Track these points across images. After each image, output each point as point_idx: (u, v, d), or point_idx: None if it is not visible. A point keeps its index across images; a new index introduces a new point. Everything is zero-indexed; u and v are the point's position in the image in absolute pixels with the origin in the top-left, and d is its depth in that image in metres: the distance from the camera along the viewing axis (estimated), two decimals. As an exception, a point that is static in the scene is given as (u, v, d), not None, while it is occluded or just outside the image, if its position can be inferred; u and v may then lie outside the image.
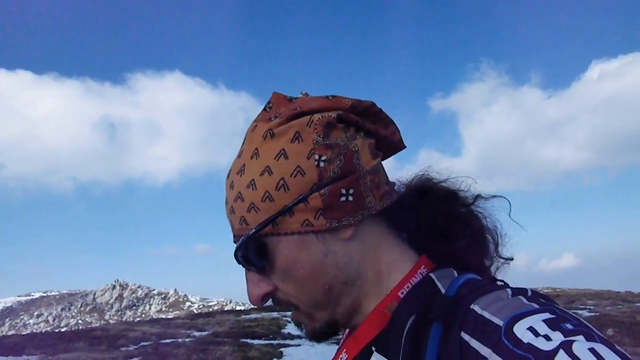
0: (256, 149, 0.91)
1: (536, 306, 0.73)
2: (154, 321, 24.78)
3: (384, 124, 0.97)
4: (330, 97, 0.93)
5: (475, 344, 0.72)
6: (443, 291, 0.85)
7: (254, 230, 0.87)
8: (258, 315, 23.14)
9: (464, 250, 0.95)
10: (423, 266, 0.92)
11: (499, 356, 0.68)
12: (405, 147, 1.02)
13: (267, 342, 16.07)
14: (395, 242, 0.94)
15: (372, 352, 0.88)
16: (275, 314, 23.27)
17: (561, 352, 0.63)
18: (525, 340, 0.67)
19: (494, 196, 1.01)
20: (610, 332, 13.70)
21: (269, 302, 0.97)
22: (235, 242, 0.94)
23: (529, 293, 0.79)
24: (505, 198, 1.00)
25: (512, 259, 1.01)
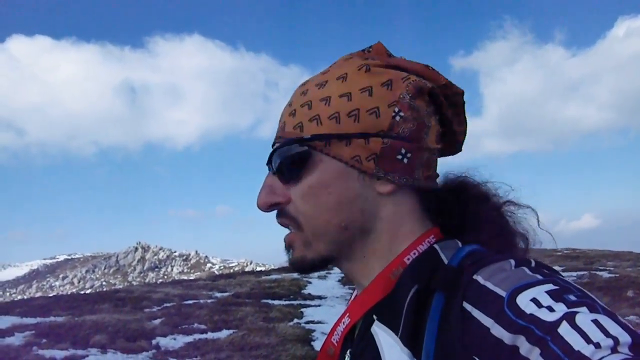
0: (346, 73, 0.93)
1: (539, 277, 0.73)
2: (176, 282, 25.20)
3: (459, 120, 1.00)
4: (430, 67, 0.96)
5: (477, 314, 0.72)
6: (446, 262, 0.85)
7: (308, 137, 0.89)
8: (278, 276, 23.41)
9: (490, 242, 0.93)
10: (432, 236, 0.92)
11: (502, 327, 0.68)
12: (461, 151, 1.05)
13: (287, 302, 16.27)
14: (423, 222, 0.94)
15: (374, 320, 0.88)
16: (295, 275, 23.50)
17: (564, 323, 0.63)
18: (527, 311, 0.67)
19: (526, 206, 0.99)
20: (630, 293, 13.64)
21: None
22: (274, 143, 0.96)
23: (533, 264, 0.78)
24: (534, 211, 0.99)
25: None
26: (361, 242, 0.92)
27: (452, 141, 1.02)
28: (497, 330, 0.68)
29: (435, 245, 0.90)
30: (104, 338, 10.06)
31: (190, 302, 15.38)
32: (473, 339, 0.71)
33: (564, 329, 0.62)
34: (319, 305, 15.69)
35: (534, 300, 0.68)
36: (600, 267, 21.10)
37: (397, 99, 0.90)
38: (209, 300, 15.73)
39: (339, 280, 21.66)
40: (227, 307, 14.19)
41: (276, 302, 16.15)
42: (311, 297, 17.54)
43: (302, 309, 14.71)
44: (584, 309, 0.65)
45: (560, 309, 0.65)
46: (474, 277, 0.77)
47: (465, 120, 1.01)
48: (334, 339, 0.96)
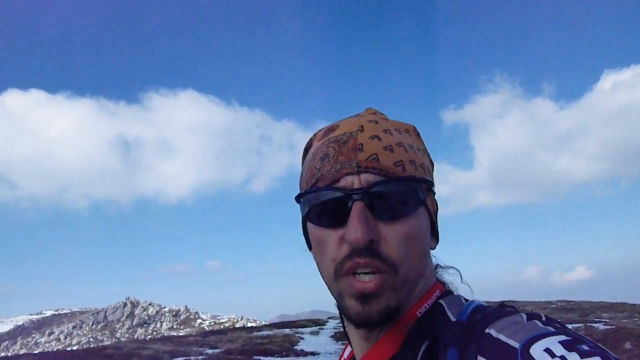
0: (408, 129, 0.98)
1: (552, 329, 0.75)
2: (165, 339, 24.72)
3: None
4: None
5: None
6: (453, 318, 0.87)
7: (429, 179, 0.92)
8: (270, 332, 23.01)
9: None
10: (438, 290, 0.95)
11: None
12: None
13: (280, 359, 15.96)
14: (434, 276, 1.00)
15: None
16: (287, 330, 23.14)
17: None
18: None
19: (449, 267, 1.04)
20: (628, 345, 13.49)
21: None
22: (361, 172, 0.89)
23: (544, 318, 0.80)
24: (457, 270, 1.03)
25: None
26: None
27: None
28: None
29: (442, 301, 0.91)
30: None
31: (181, 359, 15.06)
32: None
33: None
34: (313, 362, 15.38)
35: (548, 351, 0.70)
36: (596, 319, 20.95)
37: (430, 167, 0.96)
38: (200, 357, 15.43)
39: (331, 336, 21.31)
40: (218, 364, 13.87)
41: (268, 358, 15.84)
42: (304, 353, 17.21)
43: (296, 365, 14.41)
44: (597, 358, 0.68)
45: (574, 358, 0.68)
46: (487, 330, 0.79)
47: None
48: None
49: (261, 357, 15.89)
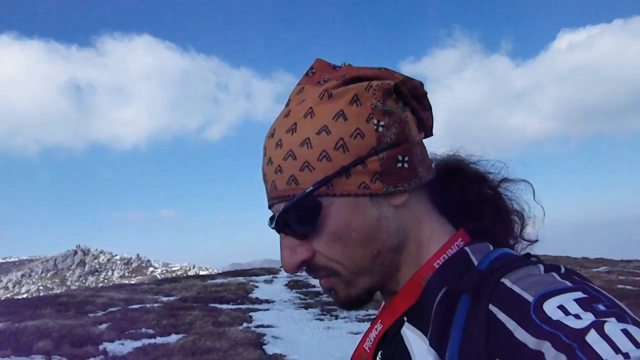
0: (310, 108, 0.89)
1: (569, 284, 0.71)
2: (119, 286, 24.61)
3: (423, 107, 0.98)
4: (383, 69, 0.94)
5: (502, 316, 0.72)
6: (476, 264, 0.85)
7: (311, 189, 0.85)
8: (224, 280, 23.17)
9: (491, 229, 0.95)
10: (460, 239, 0.92)
11: (526, 331, 0.67)
12: (433, 135, 1.02)
13: (235, 306, 16.15)
14: (437, 215, 0.95)
15: (404, 322, 0.89)
16: (241, 279, 23.34)
17: (592, 331, 0.62)
18: (554, 318, 0.66)
19: (521, 180, 1.00)
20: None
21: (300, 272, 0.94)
22: (271, 205, 0.92)
23: (563, 270, 0.77)
24: (529, 183, 1.00)
25: (536, 241, 1.01)
26: (395, 259, 0.91)
27: (424, 127, 0.99)
28: (521, 335, 0.67)
29: (467, 248, 0.89)
30: (48, 344, 9.74)
31: (136, 306, 15.06)
32: (497, 341, 0.70)
33: (592, 338, 0.61)
34: (268, 310, 15.64)
35: (561, 308, 0.67)
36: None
37: (370, 112, 0.87)
38: (155, 305, 15.43)
39: (285, 285, 21.63)
40: (174, 311, 13.95)
41: (224, 306, 15.99)
42: (259, 301, 17.46)
43: (251, 313, 14.63)
44: (613, 319, 0.63)
45: (588, 317, 0.64)
46: (502, 280, 0.77)
47: (430, 106, 0.99)
48: (366, 346, 0.97)
49: (217, 305, 16.05)
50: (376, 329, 0.96)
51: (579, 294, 0.68)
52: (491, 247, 0.90)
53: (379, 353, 0.94)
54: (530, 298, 0.70)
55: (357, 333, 12.28)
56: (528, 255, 0.89)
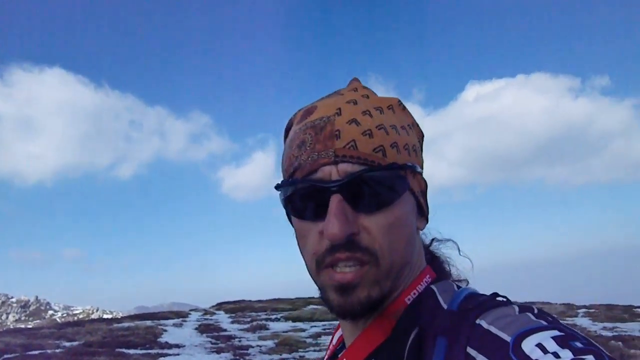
0: (392, 105, 0.90)
1: (544, 323, 0.72)
2: (16, 331, 23.11)
3: None
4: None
5: (482, 359, 0.73)
6: (444, 305, 0.82)
7: (410, 164, 0.86)
8: (131, 324, 22.19)
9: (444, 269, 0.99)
10: (428, 275, 0.90)
11: None
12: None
13: (144, 351, 15.50)
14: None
15: None
16: (149, 322, 22.47)
17: None
18: (533, 357, 0.68)
19: (448, 240, 1.02)
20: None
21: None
22: (340, 161, 0.85)
23: (536, 311, 0.76)
24: (454, 242, 1.02)
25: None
26: (400, 279, 0.88)
27: None
28: None
29: (433, 287, 0.87)
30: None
31: (36, 352, 14.17)
32: None
33: None
34: (178, 354, 15.10)
35: (539, 346, 0.69)
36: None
37: (419, 139, 0.93)
38: (57, 350, 14.60)
39: (196, 328, 20.99)
40: (78, 357, 13.25)
41: (132, 351, 15.31)
42: (169, 345, 16.82)
43: (161, 358, 14.10)
44: (590, 357, 0.65)
45: (566, 355, 0.66)
46: (477, 321, 0.76)
47: None
48: None
49: (124, 350, 15.35)
50: None
51: (556, 332, 0.70)
52: (455, 287, 0.88)
53: None
54: (508, 338, 0.72)
55: (271, 378, 12.07)
56: (495, 294, 0.86)
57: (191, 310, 29.68)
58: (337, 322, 1.00)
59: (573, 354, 0.66)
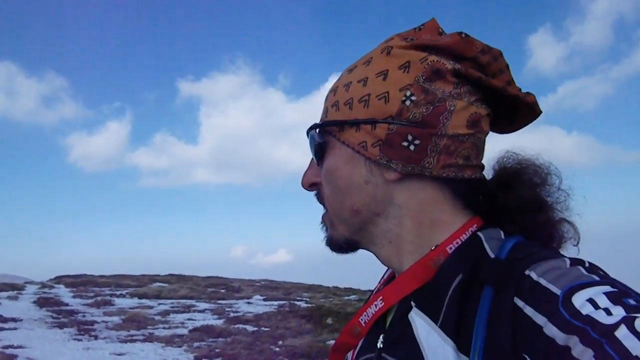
0: (371, 57, 0.93)
1: (596, 278, 0.69)
2: None
3: (506, 79, 0.90)
4: (462, 39, 0.88)
5: (529, 311, 0.69)
6: (491, 254, 0.81)
7: (321, 123, 0.96)
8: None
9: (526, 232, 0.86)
10: (475, 225, 0.88)
11: (555, 326, 0.64)
12: (541, 112, 0.92)
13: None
14: (460, 211, 0.90)
15: (412, 307, 0.84)
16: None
17: (622, 327, 0.59)
18: (584, 312, 0.63)
19: (571, 222, 0.88)
20: (329, 320, 15.10)
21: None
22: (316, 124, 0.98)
23: (587, 264, 0.73)
24: (577, 231, 0.89)
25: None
26: (378, 226, 0.92)
27: (520, 103, 0.91)
28: (550, 330, 0.65)
29: (480, 234, 0.85)
30: None
31: None
32: (524, 336, 0.68)
33: (622, 333, 0.59)
34: (16, 329, 14.11)
35: (591, 301, 0.64)
36: (298, 298, 22.82)
37: (411, 82, 0.85)
38: None
39: (34, 302, 19.71)
40: None
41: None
42: (4, 319, 15.66)
43: (-4, 332, 13.10)
44: None
45: (619, 312, 0.62)
46: (527, 272, 0.73)
47: (510, 79, 0.91)
48: (362, 320, 0.93)
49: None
50: (375, 305, 0.91)
51: (608, 288, 0.66)
52: (502, 234, 0.85)
53: (381, 336, 0.90)
54: (558, 291, 0.68)
55: (121, 354, 11.70)
56: (545, 244, 0.85)
57: (26, 282, 27.76)
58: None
59: (626, 311, 0.61)
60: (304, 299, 22.68)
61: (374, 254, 0.96)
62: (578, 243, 0.89)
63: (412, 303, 0.84)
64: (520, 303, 0.70)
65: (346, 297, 23.50)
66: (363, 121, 0.88)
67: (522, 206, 0.88)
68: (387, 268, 1.05)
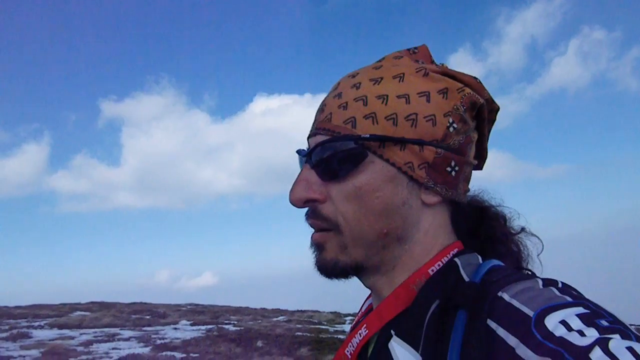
0: (403, 73, 0.89)
1: (569, 299, 0.69)
2: None
3: (488, 137, 1.00)
4: (478, 80, 0.94)
5: (502, 332, 0.69)
6: (465, 276, 0.82)
7: (367, 136, 0.85)
8: None
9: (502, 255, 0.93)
10: (455, 249, 0.90)
11: (527, 347, 0.64)
12: (481, 169, 1.02)
13: None
14: (448, 234, 0.93)
15: (391, 335, 0.84)
16: None
17: (597, 348, 0.59)
18: (557, 334, 0.63)
19: (535, 236, 1.00)
20: (259, 343, 14.93)
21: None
22: (315, 134, 0.91)
23: (560, 285, 0.74)
24: (540, 241, 0.99)
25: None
26: (395, 251, 0.89)
27: (480, 157, 1.00)
28: (523, 351, 0.64)
29: (456, 259, 0.86)
30: None
31: None
32: (497, 358, 0.67)
33: (597, 355, 0.58)
34: None
35: (564, 323, 0.64)
36: (226, 321, 22.36)
37: (451, 109, 0.88)
38: None
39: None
40: None
41: None
42: None
43: None
44: (617, 336, 0.61)
45: (592, 334, 0.61)
46: (499, 294, 0.74)
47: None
48: (347, 351, 0.92)
49: None
50: (360, 334, 0.91)
51: (581, 309, 0.66)
52: (480, 259, 0.87)
53: None
54: (530, 313, 0.67)
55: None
56: (519, 267, 0.90)
57: None
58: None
59: (599, 332, 0.62)
60: (232, 322, 22.34)
61: (369, 281, 0.93)
62: (542, 251, 0.97)
63: (392, 331, 0.85)
64: (493, 325, 0.71)
65: (275, 319, 23.33)
66: (411, 141, 0.85)
67: (497, 234, 0.96)
68: (365, 298, 1.06)
